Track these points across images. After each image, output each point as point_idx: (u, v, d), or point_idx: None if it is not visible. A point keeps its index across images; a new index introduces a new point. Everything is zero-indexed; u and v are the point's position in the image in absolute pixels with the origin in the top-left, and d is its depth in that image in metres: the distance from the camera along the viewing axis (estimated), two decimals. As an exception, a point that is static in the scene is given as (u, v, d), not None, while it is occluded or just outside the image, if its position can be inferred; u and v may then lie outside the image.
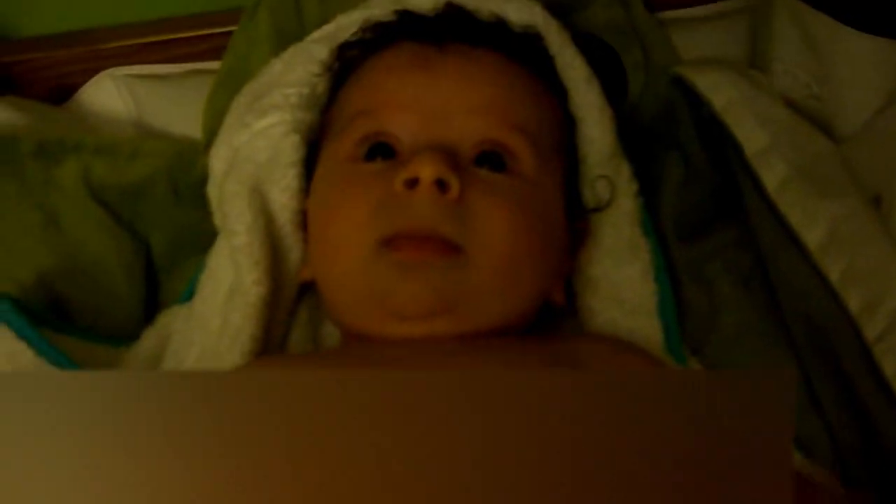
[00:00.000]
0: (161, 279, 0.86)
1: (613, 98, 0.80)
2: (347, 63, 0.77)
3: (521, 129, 0.70)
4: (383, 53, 0.75)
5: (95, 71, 0.96)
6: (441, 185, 0.65)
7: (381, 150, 0.69)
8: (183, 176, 0.87)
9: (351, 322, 0.70)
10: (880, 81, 0.83)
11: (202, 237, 0.82)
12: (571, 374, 0.56)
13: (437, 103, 0.69)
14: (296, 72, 0.78)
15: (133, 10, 0.98)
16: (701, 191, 0.83)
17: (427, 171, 0.64)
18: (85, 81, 0.96)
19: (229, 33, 0.92)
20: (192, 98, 0.93)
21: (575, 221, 0.75)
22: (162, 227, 0.87)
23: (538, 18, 0.78)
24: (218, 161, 0.79)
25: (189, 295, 0.80)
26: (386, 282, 0.65)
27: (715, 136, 0.82)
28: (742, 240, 0.81)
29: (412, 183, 0.65)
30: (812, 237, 0.75)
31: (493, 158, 0.69)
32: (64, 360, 0.70)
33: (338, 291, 0.70)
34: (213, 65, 0.93)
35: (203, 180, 0.83)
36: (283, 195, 0.76)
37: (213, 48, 0.94)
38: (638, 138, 0.83)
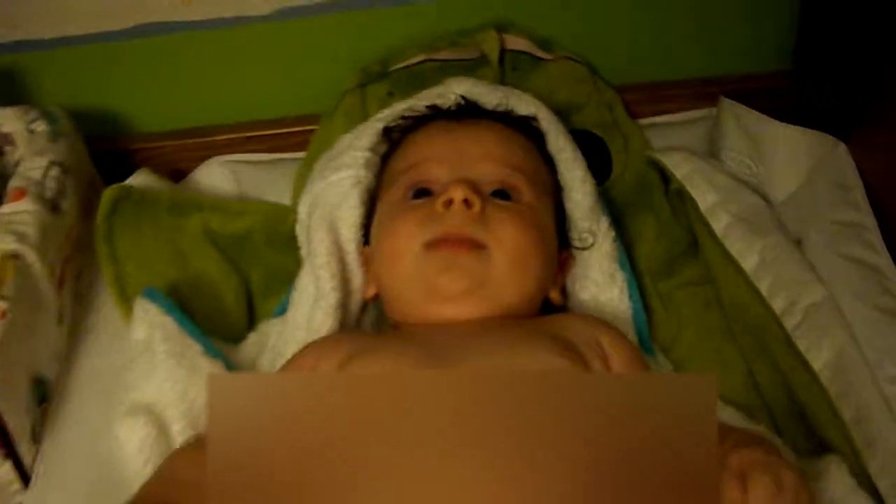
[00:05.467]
0: (256, 302, 1.12)
1: (599, 174, 1.09)
2: (394, 139, 1.06)
3: (521, 170, 0.96)
4: (420, 130, 1.04)
5: (204, 159, 1.25)
6: (467, 203, 0.91)
7: (422, 193, 0.97)
8: (275, 228, 1.14)
9: (405, 310, 0.94)
10: (800, 161, 1.12)
11: (288, 275, 1.09)
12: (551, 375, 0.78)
13: (459, 155, 0.96)
14: (364, 140, 1.06)
15: (234, 112, 1.28)
16: (669, 241, 1.10)
17: (458, 193, 0.91)
18: (195, 167, 1.25)
19: (310, 131, 1.22)
20: (277, 179, 1.22)
21: (562, 251, 1.02)
22: (258, 266, 1.13)
23: (539, 111, 1.06)
24: (303, 207, 1.06)
25: (281, 311, 1.06)
26: (432, 274, 0.89)
27: (678, 200, 1.11)
28: (701, 276, 1.08)
29: (448, 203, 0.91)
30: (748, 263, 1.03)
31: (502, 193, 0.96)
32: (196, 332, 0.96)
33: (397, 287, 0.95)
34: (296, 155, 1.22)
35: (290, 232, 1.10)
36: (349, 230, 1.02)
37: (298, 142, 1.23)
38: (620, 203, 1.12)
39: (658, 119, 1.25)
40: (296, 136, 1.25)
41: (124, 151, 1.25)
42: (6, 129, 1.10)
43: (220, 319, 1.07)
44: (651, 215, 1.12)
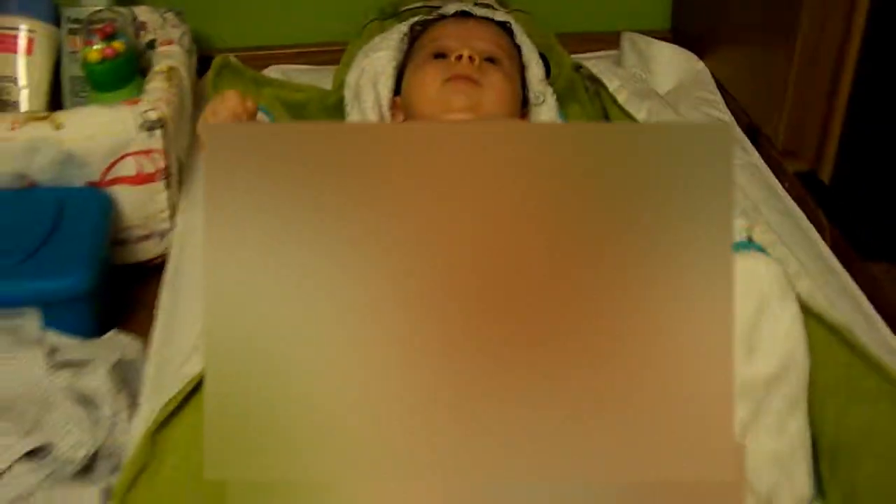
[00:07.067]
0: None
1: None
2: (417, 32, 1.61)
3: (501, 49, 1.51)
4: (437, 23, 1.59)
5: (264, 68, 1.78)
6: (471, 59, 1.46)
7: (439, 57, 1.51)
8: (324, 101, 1.66)
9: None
10: (673, 70, 1.72)
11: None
12: (559, 126, 1.35)
13: (465, 35, 1.51)
14: (395, 35, 1.60)
15: (289, 35, 1.84)
16: (588, 119, 1.66)
17: (466, 52, 1.45)
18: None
19: (341, 51, 1.75)
20: (317, 81, 1.74)
21: (523, 108, 1.57)
22: (311, 125, 1.65)
23: (509, 18, 1.63)
24: (352, 76, 1.58)
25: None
26: (447, 96, 1.42)
27: (595, 96, 1.68)
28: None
29: (459, 58, 1.45)
30: (639, 116, 1.60)
31: (490, 60, 1.50)
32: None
33: (421, 107, 1.46)
34: (330, 67, 1.75)
35: (334, 104, 1.63)
36: (384, 90, 1.54)
37: (332, 59, 1.76)
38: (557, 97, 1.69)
39: (586, 56, 1.83)
40: (331, 54, 1.78)
41: (208, 58, 1.76)
42: (142, 18, 1.62)
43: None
44: (577, 104, 1.68)
